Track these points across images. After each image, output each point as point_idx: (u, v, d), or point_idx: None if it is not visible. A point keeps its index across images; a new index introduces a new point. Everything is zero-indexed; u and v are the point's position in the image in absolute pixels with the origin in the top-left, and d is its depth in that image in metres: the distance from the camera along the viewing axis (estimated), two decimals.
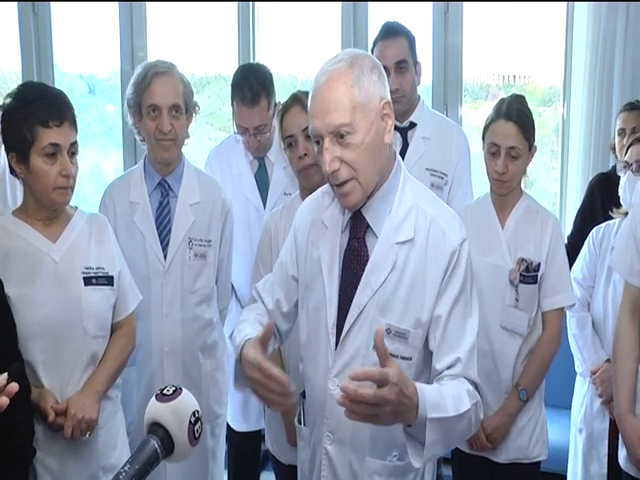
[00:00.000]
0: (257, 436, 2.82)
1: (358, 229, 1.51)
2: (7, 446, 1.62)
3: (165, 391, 1.00)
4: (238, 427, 2.76)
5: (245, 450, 2.86)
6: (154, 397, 1.00)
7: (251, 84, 2.46)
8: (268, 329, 1.45)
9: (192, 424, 0.98)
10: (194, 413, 1.00)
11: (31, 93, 1.82)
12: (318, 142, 1.45)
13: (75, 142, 1.81)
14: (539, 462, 2.23)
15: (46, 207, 1.84)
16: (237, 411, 2.74)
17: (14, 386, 1.07)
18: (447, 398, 1.37)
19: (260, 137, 2.54)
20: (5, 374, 1.08)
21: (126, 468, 0.91)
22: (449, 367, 1.45)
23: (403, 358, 1.47)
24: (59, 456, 1.84)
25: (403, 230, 1.47)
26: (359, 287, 1.48)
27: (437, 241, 1.46)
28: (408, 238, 1.47)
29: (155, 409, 0.99)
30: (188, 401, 1.00)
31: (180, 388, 1.01)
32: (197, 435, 1.00)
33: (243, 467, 2.88)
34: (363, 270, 1.48)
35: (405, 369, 1.45)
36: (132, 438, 2.12)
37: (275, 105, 2.54)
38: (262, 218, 2.58)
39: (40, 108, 1.75)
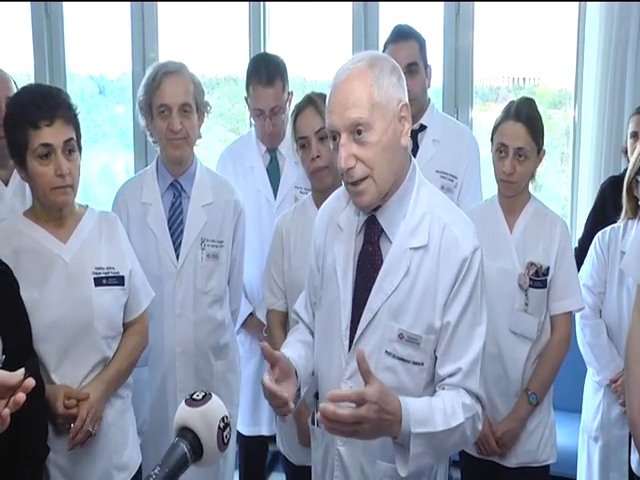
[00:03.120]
0: (266, 437, 2.83)
1: (372, 233, 1.52)
2: (21, 444, 1.62)
3: (195, 396, 1.00)
4: (248, 432, 2.77)
5: (255, 451, 2.87)
6: (184, 402, 1.01)
7: (267, 66, 2.58)
8: (266, 354, 1.43)
9: (221, 429, 0.99)
10: (223, 419, 1.00)
11: (24, 96, 1.81)
12: (334, 138, 1.45)
13: (71, 139, 1.78)
14: (548, 466, 2.23)
15: (49, 208, 1.83)
16: (247, 415, 2.75)
17: (31, 382, 1.06)
18: (436, 413, 1.38)
19: (275, 120, 2.59)
20: (22, 370, 1.08)
21: (156, 471, 0.92)
22: (450, 375, 1.46)
23: (415, 363, 1.48)
24: (71, 454, 1.84)
25: (417, 236, 1.48)
26: (372, 291, 1.49)
27: (449, 247, 1.46)
28: (422, 244, 1.47)
29: (184, 413, 0.99)
30: (217, 406, 1.01)
31: (210, 393, 1.01)
32: (226, 440, 1.00)
33: (254, 468, 2.90)
34: (377, 274, 1.49)
35: (417, 374, 1.48)
36: (144, 438, 2.12)
37: (289, 94, 2.62)
38: (273, 210, 2.63)
39: (29, 110, 1.74)
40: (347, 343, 1.51)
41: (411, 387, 1.48)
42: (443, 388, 1.47)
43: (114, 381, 1.90)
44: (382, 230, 1.50)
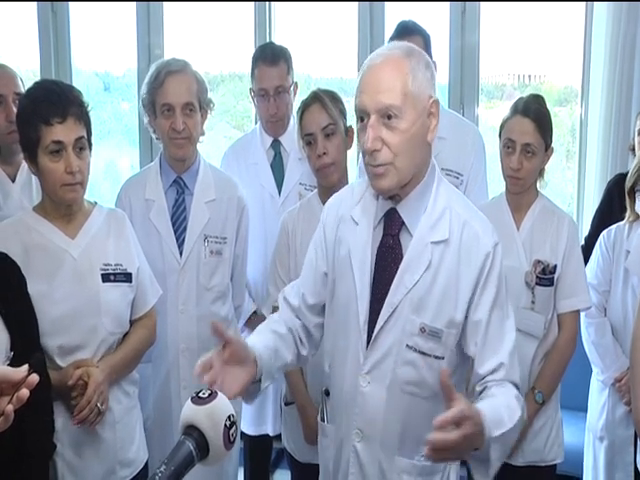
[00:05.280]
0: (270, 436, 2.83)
1: (393, 226, 1.51)
2: (27, 440, 1.61)
3: (201, 394, 1.00)
4: (253, 431, 2.77)
5: (259, 449, 2.87)
6: (190, 400, 1.00)
7: (272, 48, 2.67)
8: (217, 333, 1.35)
9: (227, 428, 0.98)
10: (229, 417, 1.00)
11: (37, 92, 1.82)
12: (362, 119, 1.44)
13: (82, 137, 1.79)
14: (555, 465, 2.22)
15: (58, 204, 1.84)
16: (251, 415, 2.75)
17: (34, 378, 1.06)
18: (502, 411, 1.36)
19: (279, 101, 2.61)
20: (26, 366, 1.08)
21: (162, 469, 0.91)
22: (492, 372, 1.45)
23: (436, 357, 1.48)
24: (77, 449, 1.85)
25: (438, 230, 1.48)
26: (393, 285, 1.48)
27: (470, 243, 1.47)
28: (443, 238, 1.47)
29: (191, 411, 0.99)
30: (223, 405, 1.00)
31: (216, 392, 1.01)
32: (232, 439, 1.00)
33: (258, 465, 2.90)
34: (397, 268, 1.48)
35: (437, 369, 1.46)
36: (148, 434, 2.12)
37: (294, 84, 2.65)
38: (277, 206, 2.64)
39: (43, 106, 1.75)
40: (365, 337, 1.49)
41: (431, 381, 1.47)
42: (485, 386, 1.45)
43: (119, 367, 1.89)
44: (403, 223, 1.50)
